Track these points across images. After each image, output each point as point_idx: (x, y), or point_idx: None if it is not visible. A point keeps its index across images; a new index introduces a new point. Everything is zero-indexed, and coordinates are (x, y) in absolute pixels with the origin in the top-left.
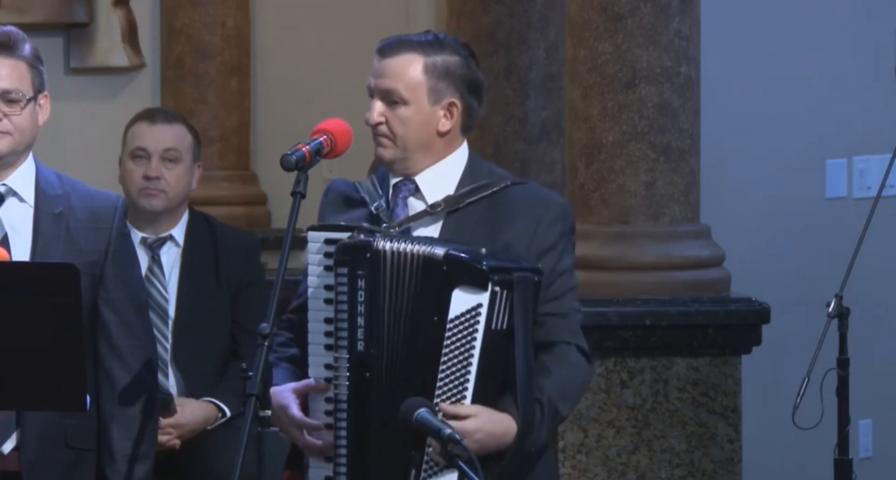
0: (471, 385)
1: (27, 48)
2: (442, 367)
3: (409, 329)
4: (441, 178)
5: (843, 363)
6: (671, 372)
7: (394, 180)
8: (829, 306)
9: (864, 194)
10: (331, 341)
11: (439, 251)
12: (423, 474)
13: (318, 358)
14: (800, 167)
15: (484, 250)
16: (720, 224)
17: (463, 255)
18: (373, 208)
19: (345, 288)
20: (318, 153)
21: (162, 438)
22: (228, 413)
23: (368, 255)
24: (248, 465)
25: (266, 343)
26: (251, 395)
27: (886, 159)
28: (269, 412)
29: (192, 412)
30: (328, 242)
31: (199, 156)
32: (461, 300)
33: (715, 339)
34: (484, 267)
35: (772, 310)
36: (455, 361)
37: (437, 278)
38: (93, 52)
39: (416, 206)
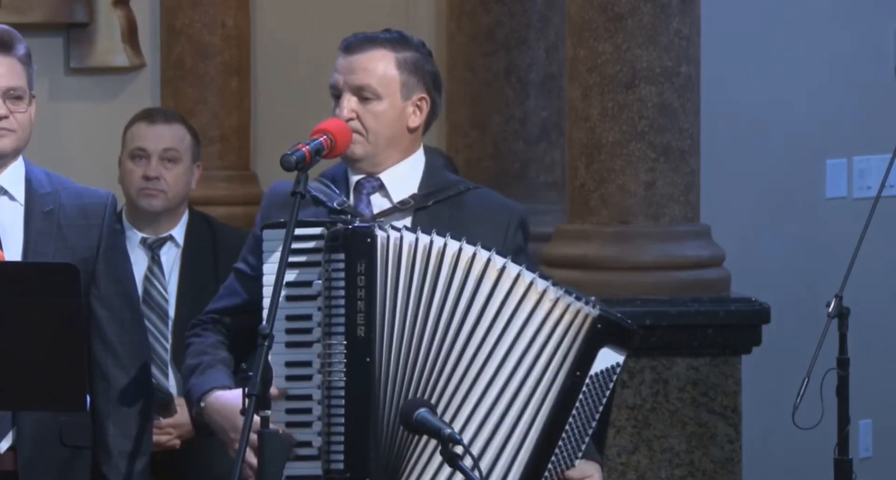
0: (587, 440)
1: (21, 47)
2: (570, 421)
3: (442, 327)
4: (405, 176)
5: (843, 363)
6: (671, 372)
7: (355, 178)
8: (829, 306)
9: (864, 194)
10: (293, 338)
11: (591, 309)
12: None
13: (277, 356)
14: (800, 167)
15: (594, 298)
16: (720, 224)
17: (614, 315)
18: (335, 204)
19: (340, 274)
20: (318, 153)
21: (162, 438)
22: None
23: (369, 240)
24: None
25: (266, 343)
26: (251, 395)
27: (886, 159)
28: (268, 412)
29: None
30: (297, 238)
31: (198, 156)
32: (604, 358)
33: (715, 339)
34: (633, 328)
35: (772, 310)
36: (583, 417)
37: (564, 324)
38: (93, 52)
39: (380, 203)
